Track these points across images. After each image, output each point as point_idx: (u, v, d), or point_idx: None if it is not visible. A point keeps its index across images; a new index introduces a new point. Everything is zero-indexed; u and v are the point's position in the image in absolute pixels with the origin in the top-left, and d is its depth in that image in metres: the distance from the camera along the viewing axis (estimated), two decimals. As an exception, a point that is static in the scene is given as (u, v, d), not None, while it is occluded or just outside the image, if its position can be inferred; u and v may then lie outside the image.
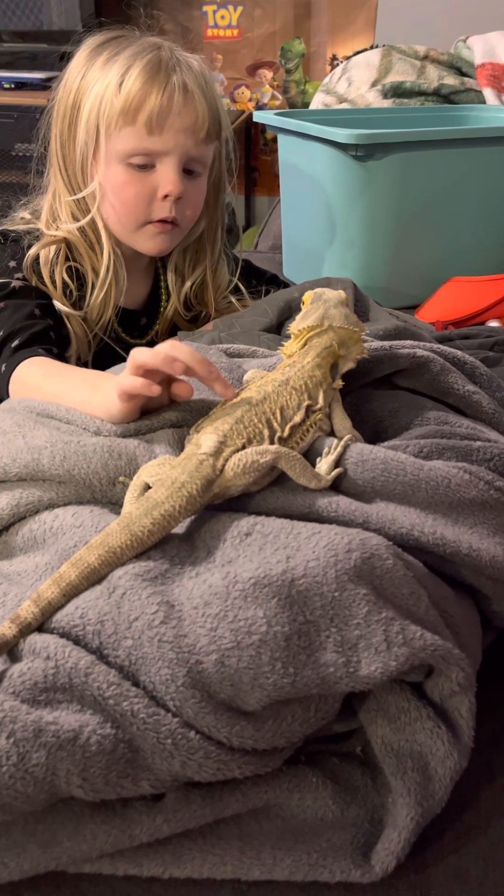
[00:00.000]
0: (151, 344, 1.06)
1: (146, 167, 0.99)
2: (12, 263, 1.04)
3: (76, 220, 1.05)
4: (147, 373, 0.69)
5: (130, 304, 1.16)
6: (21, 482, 0.68)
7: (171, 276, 1.17)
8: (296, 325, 0.75)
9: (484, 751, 0.60)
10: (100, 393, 0.75)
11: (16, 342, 0.96)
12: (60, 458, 0.67)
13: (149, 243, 1.05)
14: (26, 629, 0.57)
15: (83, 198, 1.04)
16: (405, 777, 0.57)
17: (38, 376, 0.88)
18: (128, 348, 1.02)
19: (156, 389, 0.68)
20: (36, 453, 0.68)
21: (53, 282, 1.04)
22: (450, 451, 0.70)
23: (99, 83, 0.98)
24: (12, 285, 1.02)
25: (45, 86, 2.67)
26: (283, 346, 0.76)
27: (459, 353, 0.84)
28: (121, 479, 0.68)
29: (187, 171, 1.01)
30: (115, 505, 0.68)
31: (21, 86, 2.67)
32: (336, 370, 0.74)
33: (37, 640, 0.56)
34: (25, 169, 2.69)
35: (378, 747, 0.59)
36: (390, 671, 0.55)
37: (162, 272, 1.19)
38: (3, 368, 0.93)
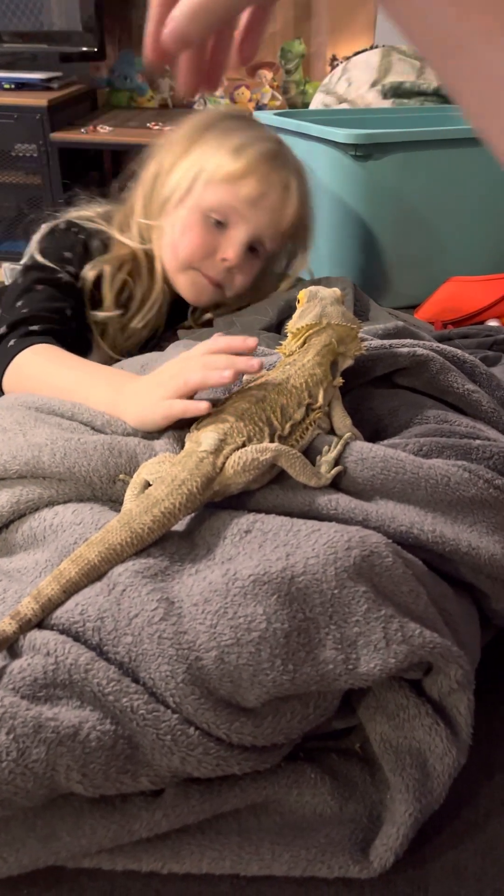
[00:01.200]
0: None
1: (219, 225, 1.03)
2: (67, 254, 1.05)
3: (141, 241, 1.09)
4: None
5: None
6: (21, 479, 0.69)
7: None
8: (293, 324, 0.75)
9: (482, 748, 0.60)
10: (134, 401, 0.74)
11: (34, 327, 0.96)
12: (61, 455, 0.67)
13: (189, 288, 1.08)
14: (26, 625, 0.57)
15: (149, 227, 1.08)
16: (404, 773, 0.57)
17: (45, 364, 0.88)
18: None
19: (206, 407, 0.69)
20: (36, 451, 0.68)
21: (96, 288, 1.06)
22: (449, 450, 0.70)
23: (217, 142, 1.05)
24: (59, 276, 1.03)
25: (45, 86, 2.67)
26: (280, 345, 0.76)
27: (459, 352, 0.84)
28: (121, 476, 0.68)
29: (251, 248, 1.06)
30: (115, 503, 0.68)
31: (21, 86, 2.67)
32: (335, 368, 0.74)
33: (37, 636, 0.56)
34: (26, 169, 2.68)
35: (377, 744, 0.60)
36: (389, 668, 0.56)
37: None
38: (12, 343, 0.93)
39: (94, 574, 0.59)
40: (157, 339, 1.15)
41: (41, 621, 0.58)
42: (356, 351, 0.75)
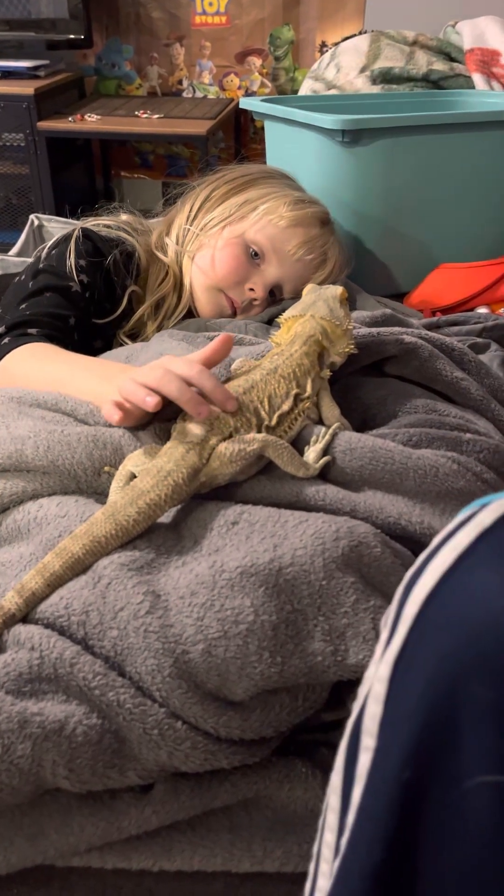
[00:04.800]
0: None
1: (255, 257, 1.06)
2: (82, 262, 1.02)
3: (176, 258, 1.10)
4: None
5: None
6: (4, 473, 0.68)
7: None
8: (284, 315, 0.76)
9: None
10: (112, 387, 0.73)
11: (33, 331, 0.94)
12: (44, 448, 0.66)
13: (210, 307, 1.09)
14: (10, 620, 0.56)
15: (188, 241, 1.10)
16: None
17: (36, 359, 0.87)
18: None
19: (153, 404, 0.66)
20: (19, 443, 0.67)
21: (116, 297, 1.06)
22: (439, 441, 0.70)
23: (279, 188, 1.11)
24: (70, 284, 1.00)
25: (32, 74, 2.64)
26: (273, 335, 0.76)
27: (447, 339, 0.84)
28: (106, 468, 0.67)
29: (271, 291, 1.08)
30: (100, 495, 0.67)
31: (7, 75, 2.64)
32: (322, 360, 0.74)
33: (21, 630, 0.56)
34: (13, 159, 2.66)
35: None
36: (379, 659, 0.55)
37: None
38: (6, 341, 0.91)
39: (78, 567, 0.59)
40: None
41: (25, 616, 0.57)
42: (344, 348, 0.74)
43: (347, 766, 0.37)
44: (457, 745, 0.32)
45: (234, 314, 1.08)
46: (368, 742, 0.35)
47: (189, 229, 1.11)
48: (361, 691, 0.37)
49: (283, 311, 0.78)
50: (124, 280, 1.06)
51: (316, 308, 0.74)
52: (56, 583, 0.58)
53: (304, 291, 0.78)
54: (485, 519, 0.36)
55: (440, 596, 0.35)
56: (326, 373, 0.74)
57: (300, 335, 0.73)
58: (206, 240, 1.09)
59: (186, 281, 1.09)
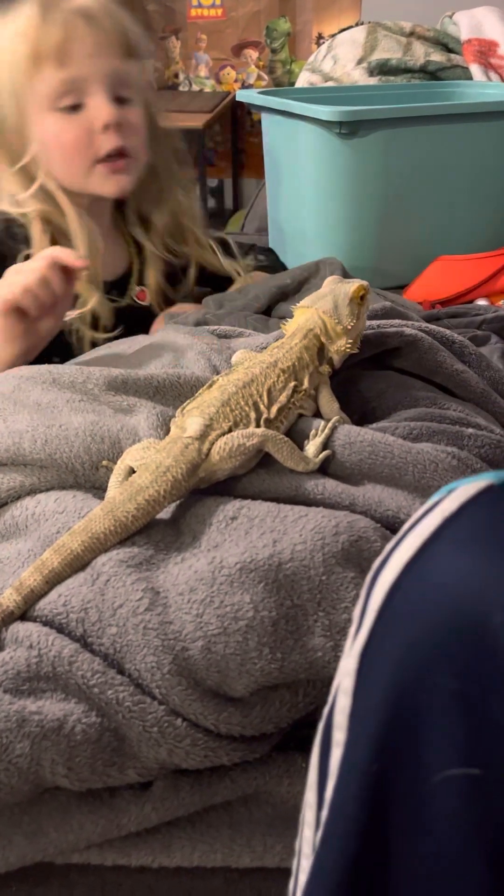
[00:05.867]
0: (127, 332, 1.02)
1: (77, 108, 0.95)
2: None
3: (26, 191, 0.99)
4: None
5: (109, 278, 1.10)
6: (1, 467, 0.67)
7: (137, 231, 1.11)
8: (299, 304, 0.75)
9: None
10: None
11: None
12: (42, 441, 0.66)
13: (106, 185, 1.00)
14: (9, 618, 0.56)
15: (28, 166, 0.99)
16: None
17: None
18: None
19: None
20: (17, 437, 0.66)
21: None
22: (440, 435, 0.69)
23: (1, 39, 0.95)
24: None
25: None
26: (285, 323, 0.76)
27: (447, 332, 0.83)
28: (104, 463, 0.66)
29: (119, 100, 0.98)
30: (98, 489, 0.67)
31: None
32: (322, 355, 0.73)
33: (19, 628, 0.55)
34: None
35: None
36: (379, 654, 0.55)
37: (126, 231, 1.12)
38: None
39: (77, 564, 0.58)
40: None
41: (24, 613, 0.57)
42: (342, 347, 0.73)
43: (321, 762, 0.37)
44: (423, 737, 0.32)
45: (126, 162, 0.99)
46: (339, 736, 0.35)
47: (15, 171, 0.99)
48: (334, 684, 0.37)
49: (282, 293, 0.76)
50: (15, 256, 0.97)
51: (323, 302, 0.74)
52: (55, 580, 0.57)
53: (325, 282, 0.77)
54: (449, 506, 0.35)
55: (404, 585, 0.35)
56: (325, 368, 0.73)
57: (301, 328, 0.73)
58: (38, 153, 0.97)
59: (60, 198, 0.98)
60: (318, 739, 0.38)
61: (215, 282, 1.19)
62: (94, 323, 1.03)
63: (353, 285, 0.75)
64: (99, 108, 0.95)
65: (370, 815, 0.33)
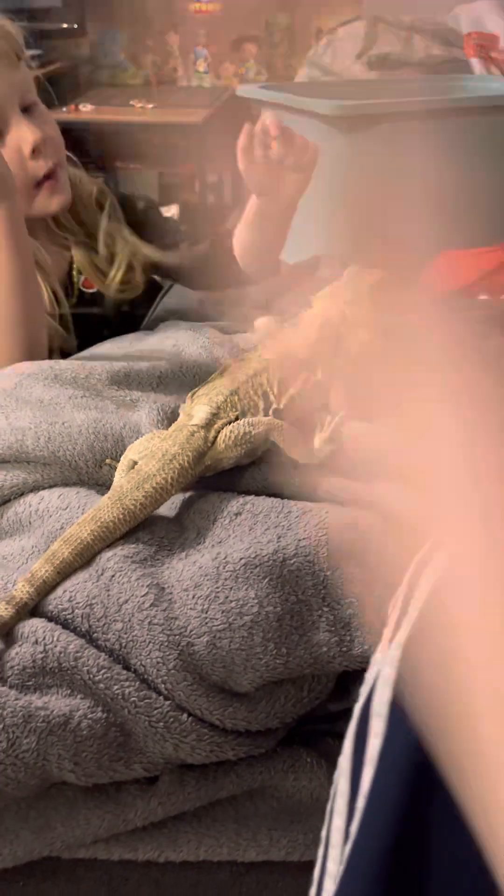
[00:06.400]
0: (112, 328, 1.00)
1: None
2: None
3: None
4: None
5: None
6: (5, 464, 0.67)
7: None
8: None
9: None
10: None
11: None
12: (45, 439, 0.66)
13: (51, 204, 0.98)
14: (23, 609, 0.55)
15: None
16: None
17: None
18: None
19: None
20: (20, 434, 0.66)
21: None
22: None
23: None
24: None
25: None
26: (304, 312, 0.74)
27: (449, 326, 0.83)
28: (107, 461, 0.66)
29: (25, 110, 0.95)
30: (101, 487, 0.67)
31: (1, 64, 2.63)
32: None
33: (25, 624, 0.55)
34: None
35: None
36: (384, 649, 0.55)
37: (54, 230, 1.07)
38: None
39: (87, 553, 0.58)
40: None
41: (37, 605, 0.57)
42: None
43: (356, 750, 0.37)
44: None
45: (55, 171, 0.96)
46: (378, 726, 0.35)
47: None
48: (370, 675, 0.37)
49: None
50: None
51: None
52: (66, 570, 0.57)
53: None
54: None
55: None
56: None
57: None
58: None
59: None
60: (352, 727, 0.37)
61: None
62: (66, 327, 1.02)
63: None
64: (20, 132, 0.93)
65: (412, 804, 0.34)
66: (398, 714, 0.35)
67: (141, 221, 1.13)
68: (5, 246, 0.84)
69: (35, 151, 0.93)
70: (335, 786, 0.38)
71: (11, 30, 0.95)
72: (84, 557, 0.58)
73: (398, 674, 0.35)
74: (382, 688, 0.35)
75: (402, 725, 0.34)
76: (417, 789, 0.34)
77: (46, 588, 0.57)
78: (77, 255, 1.06)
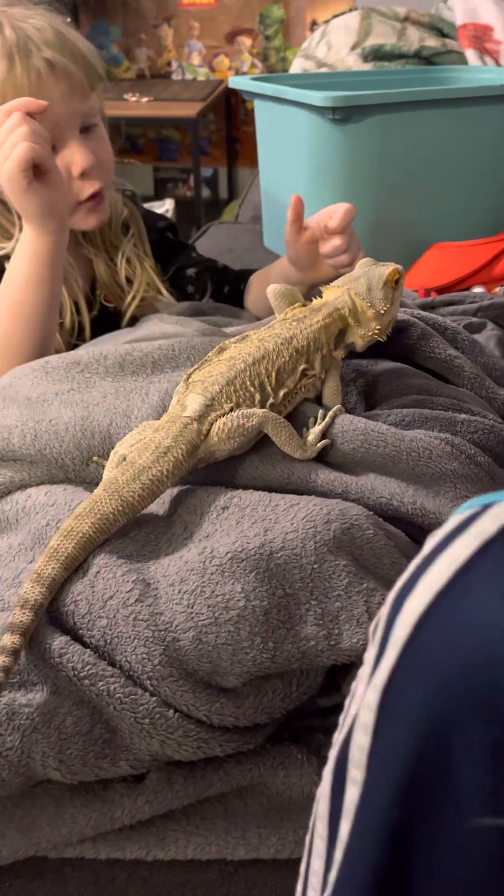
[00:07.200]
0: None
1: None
2: None
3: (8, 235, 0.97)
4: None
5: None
6: (-9, 462, 0.67)
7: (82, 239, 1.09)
8: (330, 284, 0.73)
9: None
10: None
11: None
12: (31, 437, 0.65)
13: (87, 221, 1.00)
14: (39, 610, 0.54)
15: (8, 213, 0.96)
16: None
17: None
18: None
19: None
20: (6, 433, 0.66)
21: None
22: (433, 421, 0.68)
23: None
24: None
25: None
26: (317, 297, 0.73)
27: (440, 318, 0.82)
28: (94, 458, 0.66)
29: (84, 130, 0.97)
30: (88, 484, 0.66)
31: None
32: (341, 339, 0.71)
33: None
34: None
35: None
36: (373, 643, 0.54)
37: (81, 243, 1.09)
38: None
39: (90, 547, 0.57)
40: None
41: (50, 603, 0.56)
42: (370, 332, 0.71)
43: (334, 796, 0.34)
44: (450, 786, 0.30)
45: (102, 192, 0.98)
46: (356, 774, 0.33)
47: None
48: (349, 713, 0.34)
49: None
50: None
51: (356, 283, 0.71)
52: (72, 565, 0.56)
53: (358, 265, 0.74)
54: (488, 527, 0.31)
55: (434, 618, 0.31)
56: (340, 353, 0.71)
57: (327, 305, 0.70)
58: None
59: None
60: (329, 770, 0.35)
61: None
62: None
63: (389, 268, 0.71)
64: (73, 153, 0.95)
65: (390, 864, 0.31)
66: (377, 765, 0.32)
67: (157, 240, 1.17)
68: (43, 276, 0.85)
69: (83, 174, 0.96)
70: (313, 823, 0.36)
71: (92, 60, 0.97)
72: (87, 551, 0.57)
73: (377, 720, 0.32)
74: (360, 734, 0.33)
75: (381, 778, 0.32)
76: (397, 850, 0.31)
77: (56, 585, 0.55)
78: (99, 270, 1.09)
